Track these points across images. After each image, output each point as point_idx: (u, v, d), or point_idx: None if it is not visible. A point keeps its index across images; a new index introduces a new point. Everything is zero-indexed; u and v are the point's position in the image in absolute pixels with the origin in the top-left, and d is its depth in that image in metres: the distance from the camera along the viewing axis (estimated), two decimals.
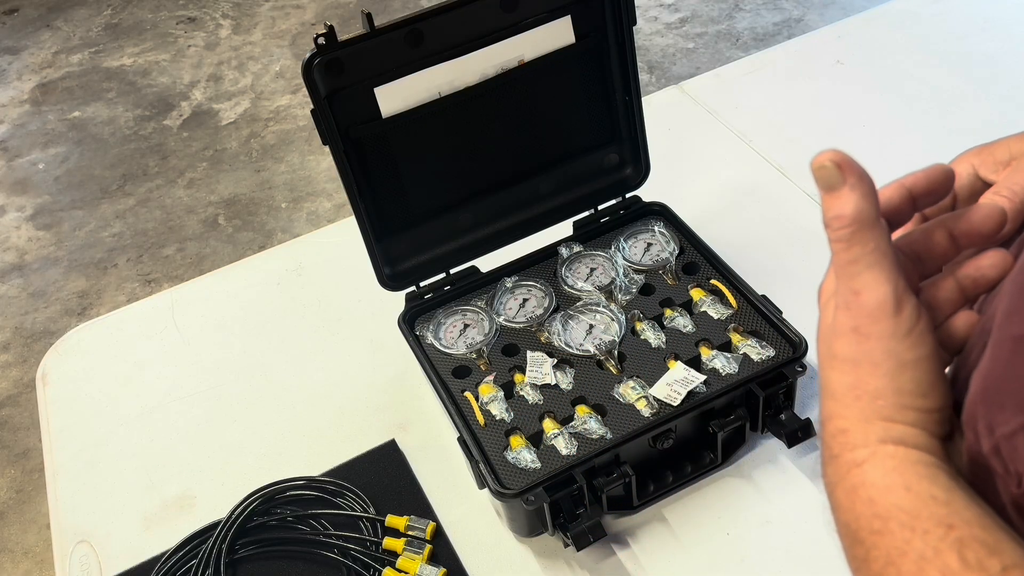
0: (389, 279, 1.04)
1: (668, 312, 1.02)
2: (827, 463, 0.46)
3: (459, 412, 0.94)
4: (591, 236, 1.11)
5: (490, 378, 0.98)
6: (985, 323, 0.44)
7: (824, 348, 0.46)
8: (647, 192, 1.13)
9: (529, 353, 1.00)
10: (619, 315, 1.01)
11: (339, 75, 0.92)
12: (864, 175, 0.43)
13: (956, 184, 0.56)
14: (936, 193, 0.48)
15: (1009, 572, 0.38)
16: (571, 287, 1.06)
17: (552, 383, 0.97)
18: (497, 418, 0.94)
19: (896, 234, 0.48)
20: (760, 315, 0.99)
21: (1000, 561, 0.38)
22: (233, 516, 0.95)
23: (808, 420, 0.94)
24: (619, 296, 1.04)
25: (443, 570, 0.90)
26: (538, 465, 0.89)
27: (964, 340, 0.49)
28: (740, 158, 1.34)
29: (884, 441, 0.43)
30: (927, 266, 0.49)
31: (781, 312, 0.99)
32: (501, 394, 0.96)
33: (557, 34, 1.01)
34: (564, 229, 1.12)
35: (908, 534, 0.40)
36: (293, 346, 1.18)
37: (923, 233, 0.48)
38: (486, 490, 0.89)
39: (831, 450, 0.45)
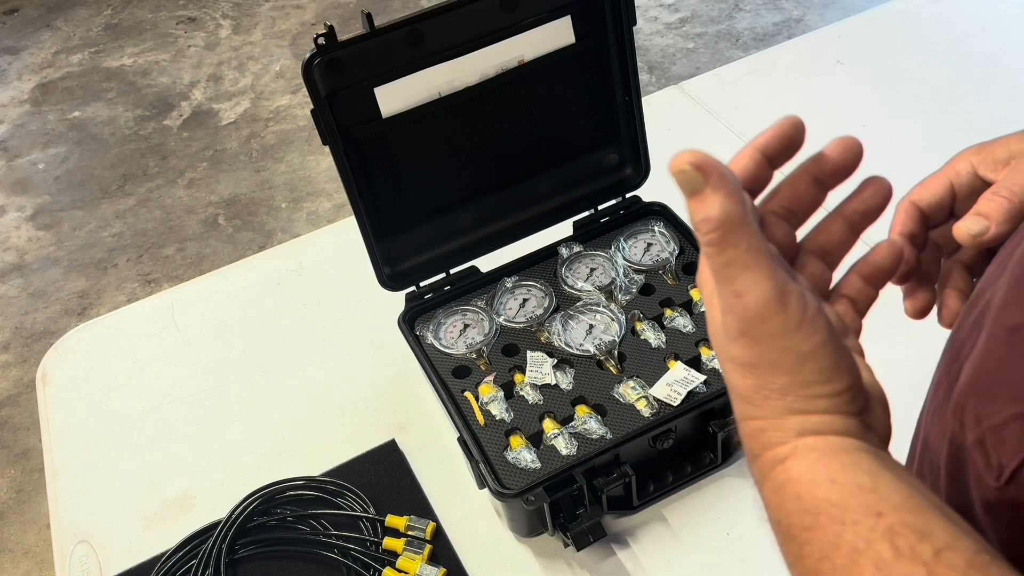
0: (389, 279, 1.04)
1: (668, 312, 1.02)
2: (751, 463, 0.45)
3: (459, 412, 0.94)
4: (591, 236, 1.11)
5: (490, 378, 0.98)
6: (977, 316, 0.44)
7: (720, 351, 0.45)
8: (647, 192, 1.13)
9: (529, 353, 1.00)
10: (619, 315, 1.01)
11: (339, 75, 0.92)
12: (726, 173, 0.41)
13: (956, 183, 0.56)
14: (790, 148, 0.46)
15: (941, 555, 0.37)
16: (571, 287, 1.06)
17: (552, 383, 0.97)
18: (497, 418, 0.94)
19: (759, 198, 0.47)
20: None
21: (932, 545, 0.38)
22: (233, 516, 0.95)
23: None
24: (619, 296, 1.04)
25: (443, 570, 0.90)
26: (538, 465, 0.89)
27: (890, 269, 0.49)
28: None
29: (802, 434, 0.42)
30: (800, 218, 0.48)
31: None
32: (501, 394, 0.96)
33: (557, 34, 1.01)
34: (564, 229, 1.12)
35: (839, 527, 0.39)
36: (293, 346, 1.18)
37: (788, 187, 0.47)
38: (486, 490, 0.89)
39: (752, 451, 0.45)
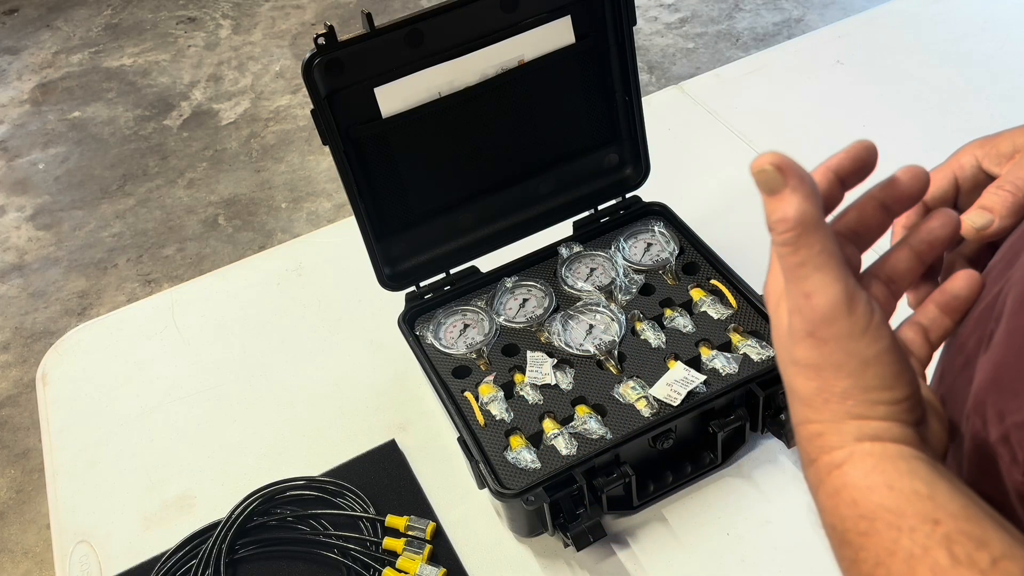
0: (389, 279, 1.04)
1: (668, 312, 1.02)
2: (806, 467, 0.46)
3: (459, 412, 0.94)
4: (591, 236, 1.11)
5: (490, 378, 0.98)
6: (983, 310, 0.44)
7: (784, 354, 0.46)
8: (647, 192, 1.13)
9: (529, 353, 1.00)
10: (619, 315, 1.01)
11: (339, 75, 0.92)
12: (805, 176, 0.42)
13: (960, 176, 0.56)
14: (862, 170, 0.47)
15: (999, 563, 0.38)
16: (571, 287, 1.06)
17: (552, 383, 0.97)
18: (497, 418, 0.94)
19: (829, 217, 0.48)
20: (760, 315, 0.99)
21: (989, 554, 0.38)
22: (233, 516, 0.95)
23: None
24: (619, 296, 1.04)
25: (443, 570, 0.90)
26: (538, 465, 0.89)
27: (969, 299, 0.49)
28: (740, 158, 1.34)
29: (860, 439, 0.43)
30: (865, 241, 0.49)
31: None
32: (501, 394, 0.96)
33: (557, 34, 1.01)
34: (564, 229, 1.12)
35: (895, 533, 0.40)
36: (293, 346, 1.18)
37: (856, 210, 0.48)
38: (486, 490, 0.89)
39: (808, 455, 0.45)
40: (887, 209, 0.48)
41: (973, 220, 0.52)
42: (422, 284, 1.07)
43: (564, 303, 1.05)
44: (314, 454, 1.04)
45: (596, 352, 0.99)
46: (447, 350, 1.02)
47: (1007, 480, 0.41)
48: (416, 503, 0.97)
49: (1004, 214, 0.52)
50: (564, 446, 0.90)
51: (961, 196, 0.57)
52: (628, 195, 1.14)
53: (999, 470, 0.41)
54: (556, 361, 0.99)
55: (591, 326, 1.02)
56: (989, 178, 0.55)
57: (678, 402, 0.92)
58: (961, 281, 0.50)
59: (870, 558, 0.41)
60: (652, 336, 0.99)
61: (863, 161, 0.47)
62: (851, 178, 0.47)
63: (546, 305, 1.05)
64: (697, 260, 1.07)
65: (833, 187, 0.47)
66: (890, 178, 0.48)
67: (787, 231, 0.42)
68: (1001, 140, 0.56)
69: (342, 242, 1.26)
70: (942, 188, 0.56)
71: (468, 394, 0.97)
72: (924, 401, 0.45)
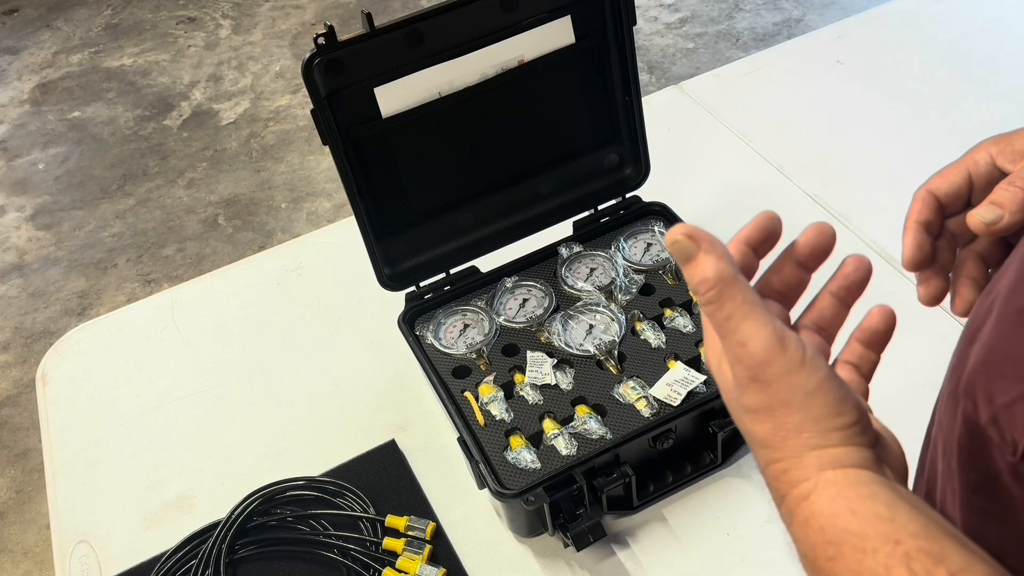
0: (389, 279, 1.04)
1: (668, 312, 1.02)
2: (778, 505, 0.48)
3: (459, 412, 0.94)
4: (591, 236, 1.11)
5: (490, 378, 0.98)
6: (991, 304, 0.45)
7: (735, 407, 0.48)
8: (647, 192, 1.13)
9: (529, 353, 1.00)
10: (619, 315, 1.01)
11: (339, 75, 0.92)
12: (714, 240, 0.46)
13: (974, 173, 0.58)
14: (770, 239, 0.51)
15: None
16: (571, 287, 1.06)
17: (552, 383, 0.97)
18: (497, 418, 0.94)
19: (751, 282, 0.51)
20: None
21: (947, 569, 0.40)
22: (233, 516, 0.95)
23: None
24: (619, 296, 1.04)
25: (443, 570, 0.90)
26: (538, 465, 0.89)
27: (887, 332, 0.53)
28: (740, 158, 1.34)
29: (822, 469, 0.45)
30: (790, 299, 0.52)
31: None
32: (501, 394, 0.96)
33: (557, 34, 1.01)
34: (564, 229, 1.12)
35: (860, 555, 0.42)
36: (293, 346, 1.18)
37: (774, 272, 0.51)
38: (486, 490, 0.89)
39: (778, 491, 0.47)
40: (803, 266, 0.51)
41: (983, 215, 0.53)
42: (422, 284, 1.07)
43: (564, 303, 1.05)
44: (314, 454, 1.04)
45: (596, 352, 0.99)
46: (447, 350, 1.02)
47: (998, 460, 0.42)
48: (416, 503, 0.97)
49: (1014, 210, 0.53)
50: (564, 446, 0.90)
51: (975, 192, 0.57)
52: (628, 195, 1.14)
53: (990, 451, 0.42)
54: (556, 361, 0.99)
55: (591, 326, 1.02)
56: (1003, 175, 0.56)
57: (678, 402, 0.92)
58: (877, 316, 0.53)
59: None
60: (652, 336, 0.99)
61: (769, 231, 0.51)
62: (761, 247, 0.51)
63: (546, 305, 1.05)
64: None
65: (747, 257, 0.50)
66: (795, 240, 0.51)
67: (709, 289, 0.45)
68: (1016, 138, 0.56)
69: (342, 242, 1.26)
70: (956, 184, 0.57)
71: (468, 394, 0.97)
72: (874, 425, 0.47)
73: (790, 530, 0.47)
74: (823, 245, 0.51)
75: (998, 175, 0.56)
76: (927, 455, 0.53)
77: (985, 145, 0.57)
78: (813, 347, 0.46)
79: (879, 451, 0.46)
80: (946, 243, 0.59)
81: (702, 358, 0.96)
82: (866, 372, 0.53)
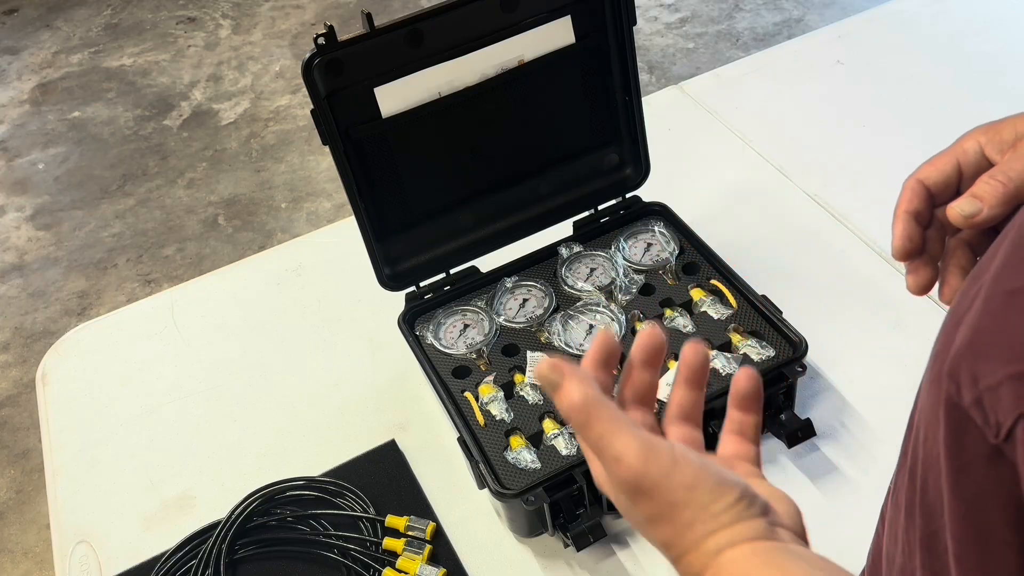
0: (389, 279, 1.04)
1: (668, 312, 1.02)
2: None
3: (459, 412, 0.94)
4: (591, 236, 1.11)
5: (490, 378, 0.98)
6: (968, 284, 0.45)
7: (633, 520, 0.51)
8: (647, 192, 1.13)
9: (529, 353, 1.00)
10: (619, 315, 1.01)
11: (339, 75, 0.92)
12: (576, 368, 0.49)
13: (963, 161, 0.58)
14: (614, 351, 0.54)
15: None
16: (571, 287, 1.06)
17: None
18: (497, 418, 0.94)
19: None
20: (760, 315, 0.99)
21: None
22: (233, 516, 0.95)
23: (808, 420, 0.94)
24: (619, 296, 1.04)
25: (443, 570, 0.90)
26: (538, 465, 0.89)
27: (756, 391, 0.56)
28: (740, 158, 1.34)
29: (720, 551, 0.47)
30: (648, 401, 0.55)
31: (781, 312, 0.99)
32: (501, 394, 0.96)
33: (557, 34, 1.01)
34: (564, 229, 1.12)
35: None
36: (293, 346, 1.18)
37: (626, 384, 0.55)
38: (486, 490, 0.89)
39: None
40: (649, 367, 0.55)
41: (962, 207, 0.54)
42: (422, 284, 1.07)
43: (564, 303, 1.05)
44: (314, 454, 1.04)
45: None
46: (447, 350, 1.02)
47: (980, 443, 0.41)
48: (416, 503, 0.97)
49: (993, 203, 0.54)
50: (564, 446, 0.90)
51: (964, 181, 0.58)
52: (628, 195, 1.14)
53: (973, 433, 0.42)
54: None
55: (591, 326, 1.02)
56: (991, 164, 0.56)
57: None
58: (742, 381, 0.56)
59: None
60: None
61: (609, 346, 0.54)
62: (609, 361, 0.54)
63: (546, 305, 1.05)
64: (697, 260, 1.07)
65: (600, 375, 0.54)
66: (634, 347, 0.55)
67: (579, 413, 0.48)
68: (1004, 127, 0.57)
69: (342, 242, 1.26)
70: (945, 173, 0.58)
71: (468, 394, 0.97)
72: (762, 496, 0.49)
73: None
74: (655, 346, 0.54)
75: (986, 164, 0.57)
76: (909, 443, 0.53)
77: (974, 134, 0.58)
78: (681, 441, 0.50)
79: (771, 517, 0.49)
80: (936, 232, 0.60)
81: None
82: (751, 435, 0.56)
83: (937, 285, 0.60)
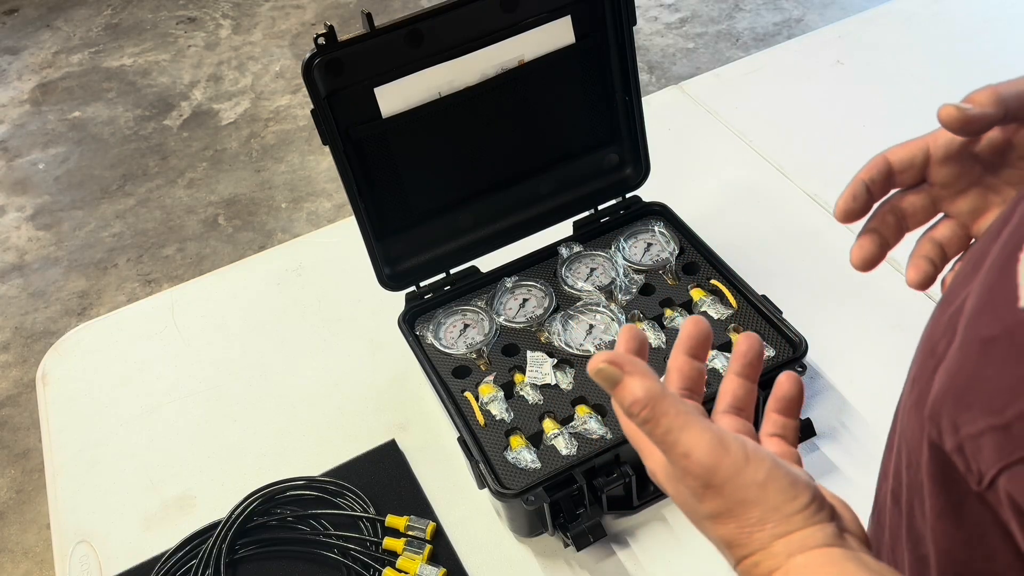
0: (389, 279, 1.04)
1: (668, 312, 1.02)
2: None
3: (459, 412, 0.94)
4: (591, 236, 1.11)
5: (490, 378, 0.98)
6: (952, 314, 0.45)
7: (696, 517, 0.50)
8: (647, 192, 1.13)
9: (529, 353, 1.00)
10: (619, 315, 1.01)
11: (339, 75, 0.92)
12: (636, 360, 0.48)
13: (932, 145, 0.59)
14: (705, 339, 0.55)
15: None
16: (571, 287, 1.06)
17: (552, 383, 0.97)
18: (497, 418, 0.94)
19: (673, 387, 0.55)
20: (760, 315, 0.99)
21: None
22: (233, 516, 0.95)
23: (808, 420, 0.94)
24: (619, 296, 1.04)
25: (443, 570, 0.90)
26: (538, 465, 0.89)
27: (798, 396, 0.56)
28: (740, 158, 1.34)
29: (791, 555, 0.46)
30: (696, 391, 0.55)
31: (781, 312, 0.99)
32: (501, 394, 0.96)
33: (557, 34, 1.01)
34: (564, 229, 1.12)
35: None
36: (293, 346, 1.18)
37: (675, 371, 0.55)
38: (486, 490, 0.89)
39: None
40: (696, 357, 0.55)
41: (954, 105, 0.55)
42: (422, 284, 1.07)
43: (564, 303, 1.05)
44: (314, 454, 1.04)
45: (596, 352, 0.98)
46: (447, 350, 1.02)
47: (963, 489, 0.41)
48: (416, 503, 0.97)
49: (984, 102, 0.55)
50: (564, 446, 0.90)
51: (932, 166, 0.60)
52: (628, 195, 1.14)
53: (955, 479, 0.42)
54: (556, 361, 0.99)
55: (591, 326, 1.02)
56: (963, 147, 0.58)
57: None
58: (785, 385, 0.55)
59: None
60: (652, 336, 0.99)
61: (699, 333, 0.55)
62: (699, 351, 0.55)
63: (546, 305, 1.05)
64: (697, 260, 1.07)
65: (692, 368, 0.55)
66: (682, 333, 0.55)
67: (642, 409, 0.47)
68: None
69: (342, 242, 1.26)
70: (912, 154, 0.60)
71: (468, 394, 0.97)
72: (827, 496, 0.49)
73: None
74: (702, 335, 0.55)
75: (957, 147, 0.58)
76: (890, 462, 0.53)
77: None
78: (750, 440, 0.48)
79: (839, 522, 0.48)
80: (892, 217, 0.61)
81: None
82: (792, 439, 0.56)
83: (905, 270, 0.61)
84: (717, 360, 0.95)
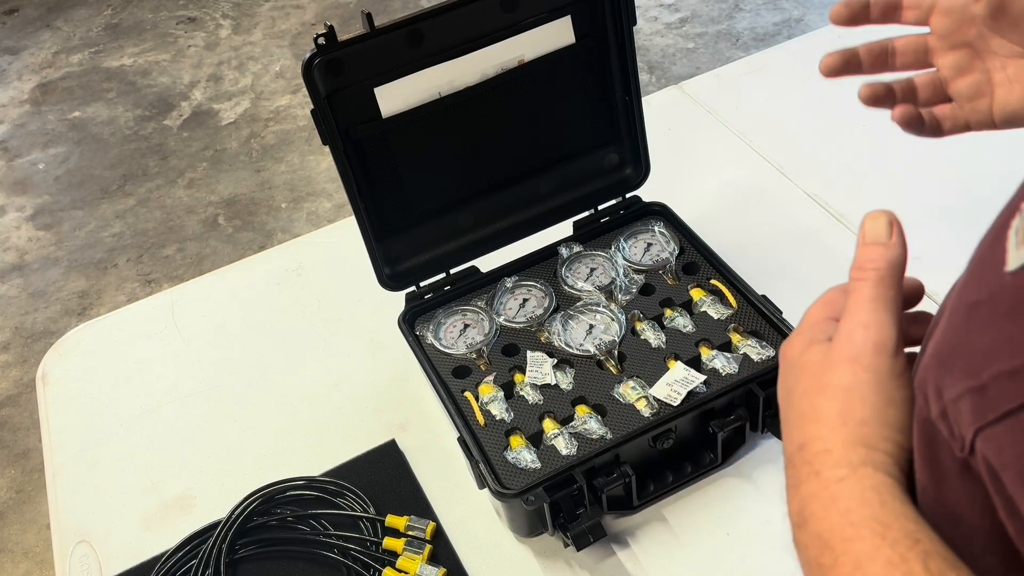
0: (389, 279, 1.04)
1: (668, 312, 1.02)
2: (805, 480, 0.49)
3: (459, 412, 0.94)
4: (591, 236, 1.11)
5: (490, 378, 0.98)
6: (943, 302, 0.46)
7: (809, 381, 0.51)
8: (647, 192, 1.13)
9: (529, 353, 1.00)
10: (619, 315, 1.01)
11: (339, 75, 0.92)
12: (905, 241, 0.50)
13: None
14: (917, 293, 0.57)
15: None
16: (571, 287, 1.06)
17: (552, 383, 0.97)
18: (497, 418, 0.94)
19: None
20: (760, 315, 0.99)
21: None
22: (233, 516, 0.95)
23: None
24: (619, 296, 1.04)
25: (443, 570, 0.90)
26: (538, 465, 0.89)
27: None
28: (740, 158, 1.34)
29: (864, 464, 0.47)
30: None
31: (781, 312, 0.99)
32: (501, 394, 0.96)
33: (557, 34, 1.01)
34: (564, 229, 1.12)
35: (879, 541, 0.43)
36: (293, 346, 1.18)
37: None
38: (486, 490, 0.89)
39: (812, 467, 0.49)
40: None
41: None
42: (422, 284, 1.07)
43: (564, 303, 1.05)
44: (314, 454, 1.04)
45: (596, 352, 0.99)
46: (447, 350, 1.02)
47: (947, 455, 0.42)
48: (416, 503, 0.97)
49: None
50: (564, 446, 0.90)
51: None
52: (628, 195, 1.14)
53: (940, 446, 0.43)
54: (556, 361, 0.99)
55: (591, 326, 1.02)
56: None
57: (678, 402, 0.92)
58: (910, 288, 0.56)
59: (849, 562, 0.44)
60: (652, 336, 0.99)
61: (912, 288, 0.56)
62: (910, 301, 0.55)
63: (546, 305, 1.05)
64: (697, 260, 1.07)
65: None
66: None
67: (876, 268, 0.49)
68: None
69: (342, 242, 1.26)
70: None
71: (468, 394, 0.97)
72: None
73: (806, 507, 0.48)
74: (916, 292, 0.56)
75: (960, 3, 0.67)
76: None
77: None
78: (911, 370, 0.49)
79: (905, 481, 0.48)
80: (880, 48, 0.72)
81: (702, 358, 0.96)
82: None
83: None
84: (718, 360, 0.95)
